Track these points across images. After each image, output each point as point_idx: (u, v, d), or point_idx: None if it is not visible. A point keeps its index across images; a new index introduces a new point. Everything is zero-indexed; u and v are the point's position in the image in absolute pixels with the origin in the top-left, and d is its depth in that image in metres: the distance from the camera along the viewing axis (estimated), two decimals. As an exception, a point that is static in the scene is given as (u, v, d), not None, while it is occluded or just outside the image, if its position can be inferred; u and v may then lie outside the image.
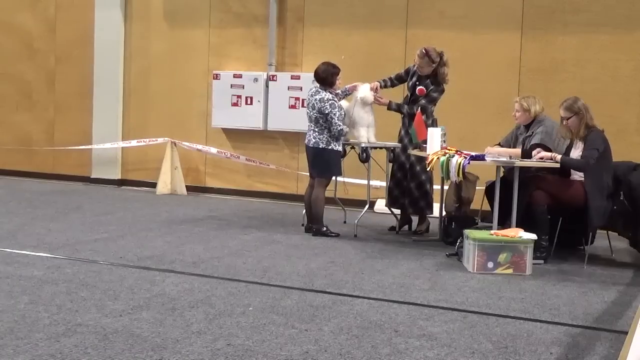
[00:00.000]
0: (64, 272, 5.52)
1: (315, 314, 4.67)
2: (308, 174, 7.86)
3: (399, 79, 7.97)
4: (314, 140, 7.42)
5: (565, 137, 6.81)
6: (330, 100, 7.31)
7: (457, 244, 6.66)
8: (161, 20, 10.98)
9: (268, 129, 10.28)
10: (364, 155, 7.69)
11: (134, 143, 10.81)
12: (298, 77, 10.01)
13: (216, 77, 10.48)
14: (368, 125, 7.64)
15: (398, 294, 5.27)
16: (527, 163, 6.65)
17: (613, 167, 6.67)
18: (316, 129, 7.40)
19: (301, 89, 9.84)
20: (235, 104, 10.36)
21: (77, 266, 5.74)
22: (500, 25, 9.24)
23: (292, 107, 10.06)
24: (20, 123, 11.84)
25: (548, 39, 9.05)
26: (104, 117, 11.19)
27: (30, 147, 11.74)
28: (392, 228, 8.04)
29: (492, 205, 6.69)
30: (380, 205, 9.07)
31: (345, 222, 8.42)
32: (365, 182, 8.17)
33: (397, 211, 8.01)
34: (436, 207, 7.85)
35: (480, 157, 6.70)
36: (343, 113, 7.47)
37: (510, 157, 6.76)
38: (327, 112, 7.27)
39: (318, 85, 7.49)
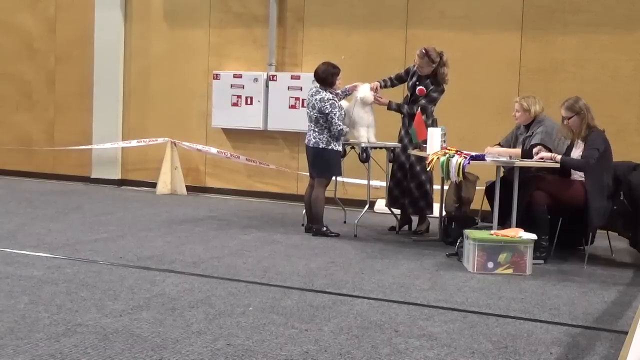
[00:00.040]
0: (64, 272, 5.52)
1: (315, 314, 4.67)
2: (308, 174, 7.87)
3: (399, 79, 7.97)
4: (314, 140, 7.42)
5: (567, 137, 6.81)
6: (330, 100, 7.31)
7: (457, 244, 6.66)
8: (161, 20, 10.98)
9: (268, 129, 10.28)
10: (364, 155, 7.69)
11: (134, 143, 10.81)
12: (298, 77, 10.01)
13: (216, 77, 10.48)
14: (368, 125, 7.64)
15: (398, 294, 5.27)
16: (527, 163, 6.65)
17: (613, 167, 6.66)
18: (316, 129, 7.40)
19: (301, 89, 9.84)
20: (235, 104, 10.36)
21: (77, 266, 5.74)
22: (500, 25, 9.24)
23: (292, 107, 10.06)
24: (20, 123, 11.84)
25: (548, 39, 9.05)
26: (104, 117, 11.20)
27: (30, 147, 11.74)
28: (392, 228, 8.04)
29: (492, 205, 6.69)
30: (380, 205, 9.07)
31: (345, 222, 8.42)
32: (365, 182, 8.17)
33: (397, 211, 8.01)
34: (436, 207, 7.85)
35: (480, 157, 6.70)
36: (343, 113, 7.47)
37: (510, 157, 6.76)
38: (327, 111, 7.27)
39: (318, 85, 7.49)
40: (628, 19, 8.72)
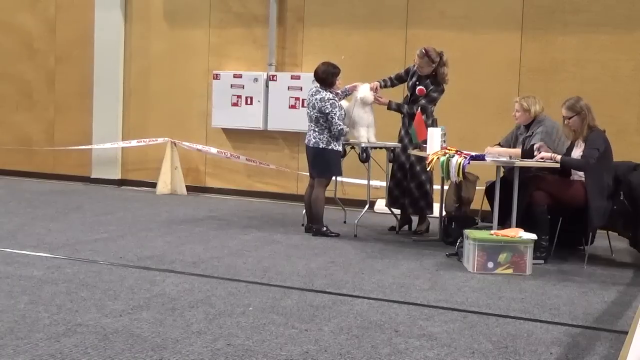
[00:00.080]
0: (64, 272, 5.52)
1: (315, 314, 4.67)
2: (308, 174, 7.87)
3: (399, 79, 7.97)
4: (314, 140, 7.42)
5: (569, 137, 6.80)
6: (330, 99, 7.31)
7: (457, 244, 6.66)
8: (161, 20, 10.98)
9: (268, 129, 10.28)
10: (364, 155, 7.69)
11: (134, 143, 10.81)
12: (298, 77, 10.01)
13: (216, 77, 10.48)
14: (368, 125, 7.64)
15: (398, 294, 5.27)
16: (527, 163, 6.65)
17: (614, 167, 6.66)
18: (316, 129, 7.40)
19: (301, 89, 9.84)
20: (235, 104, 10.36)
21: (77, 266, 5.74)
22: (500, 25, 9.24)
23: (292, 107, 10.06)
24: (20, 123, 11.84)
25: (548, 39, 9.05)
26: (104, 117, 11.19)
27: (30, 147, 11.74)
28: (392, 228, 8.04)
29: (492, 205, 6.69)
30: (380, 205, 9.07)
31: (345, 222, 8.42)
32: (365, 182, 8.17)
33: (397, 211, 8.01)
34: (436, 207, 7.85)
35: (480, 157, 6.70)
36: (343, 113, 7.47)
37: (510, 157, 6.76)
38: (327, 111, 7.27)
39: (318, 85, 7.50)
40: (628, 19, 8.72)
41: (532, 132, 6.98)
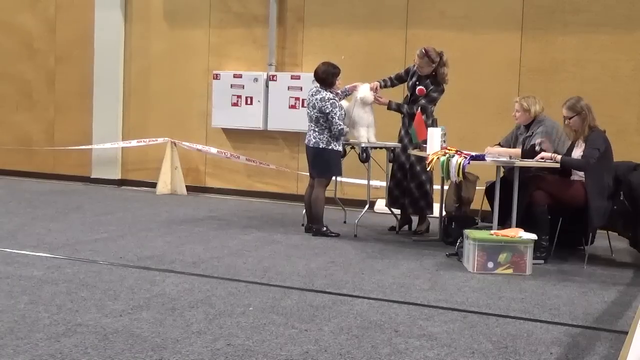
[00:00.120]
0: (64, 272, 5.52)
1: (315, 314, 4.67)
2: (308, 174, 7.87)
3: (399, 79, 7.97)
4: (314, 140, 7.42)
5: (570, 137, 6.81)
6: (331, 99, 7.31)
7: (457, 244, 6.66)
8: (161, 20, 10.98)
9: (268, 129, 10.28)
10: (364, 155, 7.69)
11: (134, 143, 10.81)
12: (298, 77, 10.01)
13: (216, 77, 10.48)
14: (368, 125, 7.64)
15: (398, 294, 5.27)
16: (527, 163, 6.65)
17: (614, 167, 6.66)
18: (316, 129, 7.40)
19: (301, 89, 9.84)
20: (235, 104, 10.36)
21: (77, 266, 5.74)
22: (500, 25, 9.24)
23: (292, 107, 10.06)
24: (20, 123, 11.84)
25: (548, 39, 9.05)
26: (104, 117, 11.19)
27: (30, 147, 11.74)
28: (392, 228, 8.04)
29: (492, 205, 6.69)
30: (380, 205, 9.07)
31: (345, 222, 8.42)
32: (365, 182, 8.16)
33: (397, 211, 8.01)
34: (436, 207, 7.85)
35: (480, 157, 6.70)
36: (343, 113, 7.47)
37: (511, 157, 6.76)
38: (327, 111, 7.27)
39: (318, 85, 7.50)
40: (628, 19, 8.72)
41: (532, 132, 6.98)
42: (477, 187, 7.56)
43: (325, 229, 7.49)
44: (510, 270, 6.08)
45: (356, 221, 7.70)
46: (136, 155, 11.15)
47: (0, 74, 11.92)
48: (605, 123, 6.90)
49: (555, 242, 6.70)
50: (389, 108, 7.82)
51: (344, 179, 8.73)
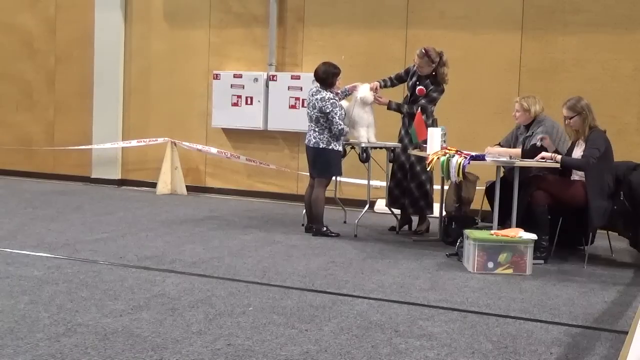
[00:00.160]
0: (64, 272, 5.52)
1: (315, 314, 4.67)
2: (308, 174, 7.87)
3: (399, 79, 7.97)
4: (314, 140, 7.42)
5: (571, 137, 6.80)
6: (331, 99, 7.31)
7: (457, 244, 6.66)
8: (161, 20, 10.98)
9: (268, 129, 10.28)
10: (364, 155, 7.69)
11: (134, 143, 10.81)
12: (298, 77, 10.01)
13: (216, 77, 10.48)
14: (368, 125, 7.64)
15: (398, 294, 5.27)
16: (527, 163, 6.65)
17: (614, 167, 6.66)
18: (316, 129, 7.40)
19: (301, 89, 9.84)
20: (235, 104, 10.36)
21: (77, 266, 5.74)
22: (500, 25, 9.24)
23: (292, 107, 10.06)
24: (20, 123, 11.84)
25: (548, 39, 9.05)
26: (104, 117, 11.19)
27: (30, 147, 11.74)
28: (392, 228, 8.04)
29: (492, 205, 6.69)
30: (380, 205, 9.07)
31: (345, 222, 8.42)
32: (365, 182, 8.16)
33: (397, 211, 8.01)
34: (436, 207, 7.85)
35: (480, 157, 6.70)
36: (343, 113, 7.47)
37: (511, 157, 6.76)
38: (328, 111, 7.27)
39: (318, 85, 7.50)
40: (628, 19, 8.72)
41: (532, 132, 6.98)
42: (477, 187, 7.56)
43: (325, 229, 7.49)
44: (510, 270, 6.08)
45: (356, 221, 7.70)
46: (136, 155, 11.15)
47: (0, 74, 11.92)
48: (605, 123, 6.90)
49: (555, 242, 6.70)
50: (389, 108, 7.82)
51: (343, 179, 8.73)
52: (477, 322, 4.64)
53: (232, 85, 10.36)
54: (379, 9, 9.78)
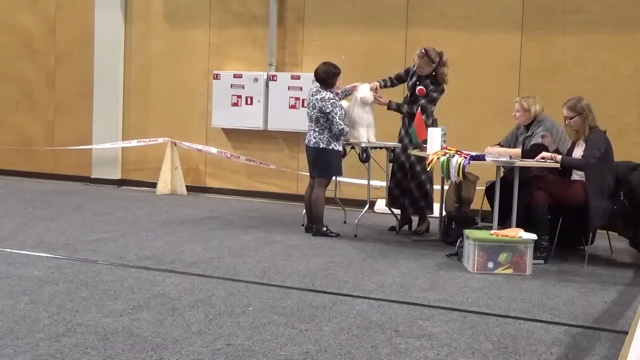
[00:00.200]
0: (64, 272, 5.52)
1: (315, 314, 4.67)
2: (308, 174, 7.87)
3: (399, 79, 7.97)
4: (314, 140, 7.42)
5: (572, 137, 6.80)
6: (331, 99, 7.31)
7: (457, 244, 6.66)
8: (161, 20, 10.98)
9: (268, 129, 10.28)
10: (364, 155, 7.69)
11: (134, 143, 10.81)
12: (298, 77, 10.01)
13: (216, 77, 10.48)
14: (368, 125, 7.64)
15: (398, 294, 5.27)
16: (527, 163, 6.65)
17: (614, 167, 6.66)
18: (316, 129, 7.40)
19: (301, 89, 9.84)
20: (235, 104, 10.36)
21: (77, 266, 5.74)
22: (500, 25, 9.24)
23: (292, 107, 10.06)
24: (20, 123, 11.84)
25: (548, 39, 9.05)
26: (104, 117, 11.19)
27: (30, 147, 11.74)
28: (392, 228, 8.04)
29: (492, 205, 6.69)
30: (380, 205, 9.07)
31: (345, 222, 8.42)
32: (365, 182, 8.16)
33: (397, 211, 8.01)
34: (436, 207, 7.84)
35: (480, 157, 6.70)
36: (343, 113, 7.47)
37: (511, 157, 6.76)
38: (328, 111, 7.27)
39: (318, 85, 7.50)
40: (628, 19, 8.72)
41: (532, 132, 6.98)
42: (477, 187, 7.55)
43: (325, 229, 7.49)
44: (510, 270, 6.08)
45: (356, 221, 7.70)
46: (136, 155, 11.15)
47: (0, 74, 11.92)
48: (606, 123, 6.90)
49: (555, 242, 6.70)
50: (389, 108, 7.82)
51: (343, 179, 8.73)
52: (477, 322, 4.64)
53: (232, 85, 10.36)
54: (379, 9, 9.77)
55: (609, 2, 8.79)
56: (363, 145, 7.61)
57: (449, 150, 6.85)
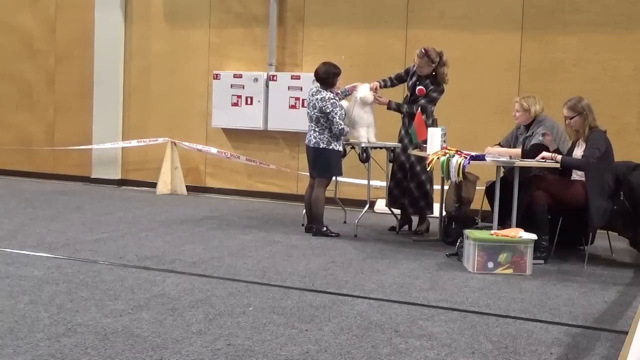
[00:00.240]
0: (64, 272, 5.52)
1: (315, 314, 4.67)
2: (308, 174, 7.87)
3: (399, 79, 7.97)
4: (314, 140, 7.42)
5: (572, 137, 6.80)
6: (331, 99, 7.31)
7: (457, 244, 6.66)
8: (161, 20, 10.98)
9: (268, 129, 10.28)
10: (364, 155, 7.69)
11: (134, 143, 10.81)
12: (298, 77, 10.01)
13: (216, 77, 10.48)
14: (368, 125, 7.64)
15: (398, 294, 5.27)
16: (527, 163, 6.65)
17: (614, 167, 6.66)
18: (317, 129, 7.40)
19: (301, 89, 9.84)
20: (235, 104, 10.36)
21: (77, 266, 5.74)
22: (500, 25, 9.24)
23: (292, 107, 10.06)
24: (20, 123, 11.84)
25: (548, 39, 9.05)
26: (104, 117, 11.20)
27: (30, 147, 11.74)
28: (392, 228, 8.04)
29: (492, 205, 6.69)
30: (380, 205, 9.07)
31: (345, 222, 8.42)
32: (365, 182, 8.16)
33: (397, 211, 8.01)
34: (436, 207, 7.84)
35: (480, 157, 6.70)
36: (343, 113, 7.47)
37: (511, 157, 6.76)
38: (328, 111, 7.27)
39: (318, 85, 7.50)
40: (628, 19, 8.72)
41: (532, 132, 6.98)
42: (477, 187, 7.56)
43: (325, 229, 7.49)
44: (510, 270, 6.08)
45: (356, 221, 7.70)
46: (136, 155, 11.15)
47: (0, 74, 11.92)
48: (605, 123, 6.90)
49: (555, 242, 6.70)
50: (389, 108, 7.82)
51: (343, 179, 8.73)
52: (477, 322, 4.64)
53: (232, 85, 10.36)
54: (379, 9, 9.78)
55: (609, 2, 8.79)
56: (363, 145, 7.61)
57: (449, 150, 6.85)
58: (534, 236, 6.19)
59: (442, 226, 7.50)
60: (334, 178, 7.84)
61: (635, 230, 6.66)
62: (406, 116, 7.76)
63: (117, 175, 11.28)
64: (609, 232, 7.04)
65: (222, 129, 10.61)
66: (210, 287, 5.23)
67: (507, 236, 6.15)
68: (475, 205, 7.64)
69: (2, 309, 4.48)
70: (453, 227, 7.25)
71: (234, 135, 10.58)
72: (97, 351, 3.81)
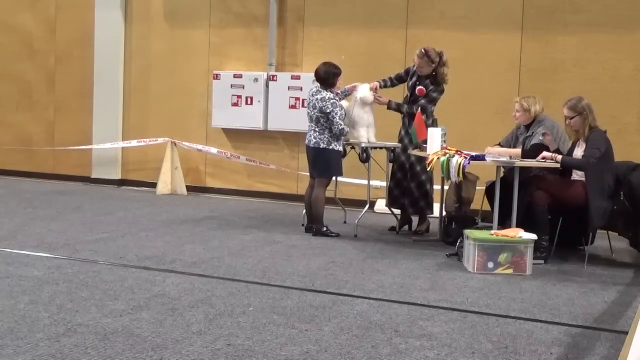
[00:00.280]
0: (64, 272, 5.52)
1: (315, 314, 4.67)
2: (308, 174, 7.87)
3: (399, 79, 7.97)
4: (314, 140, 7.42)
5: (572, 137, 6.81)
6: (331, 99, 7.31)
7: (457, 244, 6.66)
8: (161, 20, 10.98)
9: (268, 129, 10.28)
10: (364, 155, 7.69)
11: (134, 143, 10.81)
12: (298, 77, 10.01)
13: (216, 77, 10.48)
14: (368, 125, 7.64)
15: (398, 294, 5.27)
16: (527, 163, 6.65)
17: (614, 167, 6.66)
18: (317, 129, 7.40)
19: (301, 89, 9.84)
20: (235, 104, 10.36)
21: (77, 266, 5.74)
22: (500, 25, 9.24)
23: (292, 107, 10.06)
24: (20, 123, 11.84)
25: (548, 39, 9.05)
26: (104, 117, 11.19)
27: (30, 147, 11.74)
28: (392, 228, 8.04)
29: (492, 205, 6.69)
30: (380, 205, 9.07)
31: (345, 222, 8.42)
32: (365, 182, 8.16)
33: (397, 211, 8.01)
34: (436, 207, 7.84)
35: (480, 157, 6.70)
36: (344, 113, 7.47)
37: (511, 157, 6.76)
38: (328, 111, 7.27)
39: (318, 85, 7.50)
40: (628, 19, 8.72)
41: (532, 132, 6.98)
42: (477, 187, 7.56)
43: (325, 229, 7.49)
44: (510, 270, 6.08)
45: (356, 221, 7.70)
46: (136, 155, 11.15)
47: (0, 74, 11.92)
48: (606, 123, 6.90)
49: (555, 242, 6.70)
50: (389, 108, 7.82)
51: (343, 179, 8.73)
52: (477, 322, 4.64)
53: (232, 85, 10.36)
54: (379, 9, 9.78)
55: (609, 2, 8.79)
56: (363, 145, 7.61)
57: (449, 150, 6.85)
58: (534, 236, 6.19)
59: (442, 226, 7.50)
60: (334, 178, 7.84)
61: (635, 230, 6.66)
62: (406, 116, 7.76)
63: (117, 175, 11.28)
64: (609, 232, 7.04)
65: (222, 129, 10.61)
66: (210, 287, 5.23)
67: (507, 236, 6.15)
68: (475, 205, 7.64)
69: (2, 309, 4.48)
70: (453, 227, 7.25)
71: (234, 135, 10.58)
72: (97, 351, 3.81)
